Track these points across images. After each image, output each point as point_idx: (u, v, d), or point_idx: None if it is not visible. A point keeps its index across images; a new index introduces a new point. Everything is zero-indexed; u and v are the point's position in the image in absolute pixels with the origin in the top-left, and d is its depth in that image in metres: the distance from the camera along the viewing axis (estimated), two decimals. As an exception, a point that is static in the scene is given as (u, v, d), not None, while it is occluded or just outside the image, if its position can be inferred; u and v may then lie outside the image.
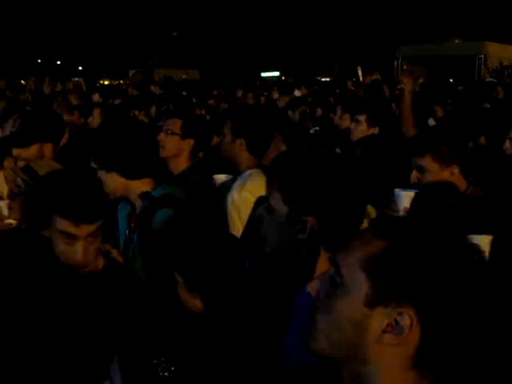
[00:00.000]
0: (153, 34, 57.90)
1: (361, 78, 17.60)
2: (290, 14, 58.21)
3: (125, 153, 2.98)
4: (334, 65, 40.86)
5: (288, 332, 1.88)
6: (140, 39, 58.97)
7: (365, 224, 2.22)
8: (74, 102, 7.98)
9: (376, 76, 14.60)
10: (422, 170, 3.35)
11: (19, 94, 12.81)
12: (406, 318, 1.22)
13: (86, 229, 2.43)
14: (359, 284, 1.26)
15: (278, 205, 1.89)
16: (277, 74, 44.91)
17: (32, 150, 3.59)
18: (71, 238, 2.44)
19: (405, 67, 23.74)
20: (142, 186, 3.07)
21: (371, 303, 1.25)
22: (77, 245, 2.43)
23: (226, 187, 3.86)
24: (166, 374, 1.62)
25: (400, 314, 1.22)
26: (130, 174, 3.02)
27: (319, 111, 8.07)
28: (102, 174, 3.00)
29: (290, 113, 6.80)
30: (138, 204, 3.07)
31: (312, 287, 1.44)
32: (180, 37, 56.76)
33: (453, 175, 3.31)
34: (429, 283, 1.21)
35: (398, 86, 5.91)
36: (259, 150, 3.84)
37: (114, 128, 3.18)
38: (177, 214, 2.94)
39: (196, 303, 2.12)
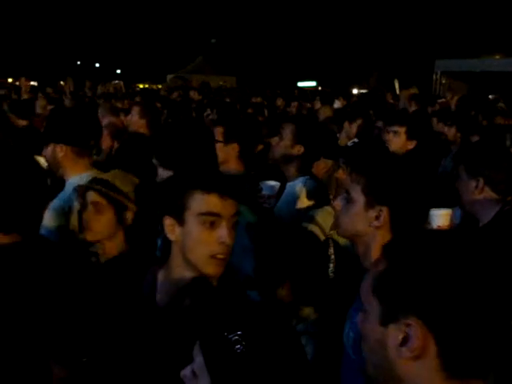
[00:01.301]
0: (192, 40, 58.34)
1: (397, 91, 17.55)
2: (328, 24, 58.21)
3: (185, 153, 3.02)
4: (370, 77, 40.80)
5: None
6: (179, 45, 59.44)
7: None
8: (119, 104, 8.07)
9: (413, 90, 14.52)
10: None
11: (61, 94, 12.98)
12: (414, 329, 1.27)
13: (231, 206, 2.14)
14: (373, 306, 1.35)
15: (357, 195, 2.24)
16: (313, 83, 44.95)
17: (48, 150, 3.57)
18: (215, 216, 2.11)
19: (443, 81, 23.55)
20: None
21: (384, 322, 1.33)
22: (221, 227, 2.11)
23: (273, 193, 3.90)
24: (238, 347, 1.67)
25: (408, 325, 1.27)
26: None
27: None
28: (160, 171, 3.06)
29: (346, 124, 6.76)
30: None
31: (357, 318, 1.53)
32: (218, 44, 57.08)
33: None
34: (426, 291, 1.27)
35: (439, 101, 5.85)
36: (314, 159, 3.88)
37: (177, 128, 3.25)
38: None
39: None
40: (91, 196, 2.78)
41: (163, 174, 3.02)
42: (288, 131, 3.93)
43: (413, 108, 8.84)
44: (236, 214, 2.15)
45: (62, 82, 26.74)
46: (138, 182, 2.85)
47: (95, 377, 2.05)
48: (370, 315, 1.37)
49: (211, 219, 2.10)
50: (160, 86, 30.74)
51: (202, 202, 2.11)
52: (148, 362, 1.97)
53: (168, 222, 2.14)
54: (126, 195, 2.73)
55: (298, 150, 3.86)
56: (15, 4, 59.75)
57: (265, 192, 4.01)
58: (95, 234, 2.77)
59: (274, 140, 4.16)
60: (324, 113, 8.38)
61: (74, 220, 3.24)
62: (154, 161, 3.10)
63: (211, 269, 2.09)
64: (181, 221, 2.12)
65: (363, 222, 2.26)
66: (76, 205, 3.09)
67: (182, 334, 1.93)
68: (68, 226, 3.28)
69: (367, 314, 1.38)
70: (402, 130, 5.31)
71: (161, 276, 2.16)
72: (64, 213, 3.30)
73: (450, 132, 6.83)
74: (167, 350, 1.96)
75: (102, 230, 2.75)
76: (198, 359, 1.56)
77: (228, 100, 11.91)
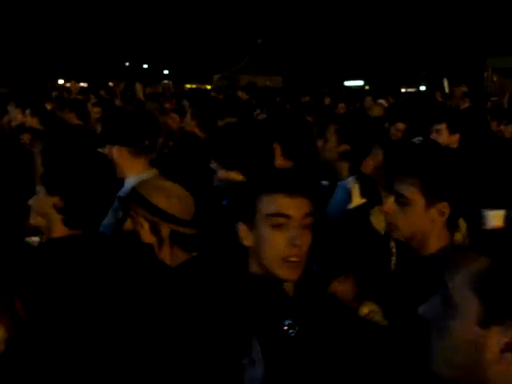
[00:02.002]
0: (238, 41, 58.57)
1: (447, 90, 17.30)
2: (376, 23, 57.78)
3: (246, 151, 3.04)
4: (419, 75, 40.35)
5: None
6: (225, 45, 59.75)
7: (458, 237, 2.57)
8: (168, 104, 8.13)
9: (463, 88, 14.31)
10: None
11: (112, 96, 13.14)
12: None
13: (302, 204, 2.03)
14: (470, 304, 1.26)
15: (414, 196, 2.27)
16: (360, 83, 44.72)
17: (104, 152, 3.58)
18: (284, 217, 2.02)
19: (495, 79, 23.12)
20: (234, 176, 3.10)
21: (485, 323, 1.24)
22: (291, 228, 2.00)
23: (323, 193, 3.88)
24: (291, 332, 1.70)
25: None
26: (250, 172, 3.06)
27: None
28: (222, 173, 3.07)
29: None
30: None
31: (424, 309, 1.43)
32: (264, 44, 57.18)
33: None
34: None
35: (492, 99, 5.80)
36: (362, 156, 3.85)
37: (235, 128, 3.26)
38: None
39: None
40: (129, 208, 2.77)
41: (226, 175, 3.04)
42: (332, 132, 3.95)
43: (465, 105, 8.71)
44: (310, 214, 2.04)
45: (110, 84, 27.20)
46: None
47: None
48: (461, 313, 1.28)
49: (280, 220, 2.00)
50: (209, 87, 30.99)
51: (269, 202, 2.02)
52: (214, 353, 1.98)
53: (241, 228, 2.08)
54: (159, 212, 2.66)
55: (345, 149, 3.85)
56: (64, 7, 60.88)
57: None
58: None
59: (320, 142, 4.17)
60: (375, 111, 8.30)
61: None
62: (214, 165, 3.11)
63: (285, 272, 1.98)
64: (252, 225, 2.06)
65: (425, 221, 2.29)
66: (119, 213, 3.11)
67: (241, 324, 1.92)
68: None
69: (456, 311, 1.29)
70: (443, 126, 5.35)
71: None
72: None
73: (507, 130, 6.71)
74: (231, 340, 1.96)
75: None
76: (255, 347, 1.58)
77: (278, 100, 11.90)
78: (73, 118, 7.17)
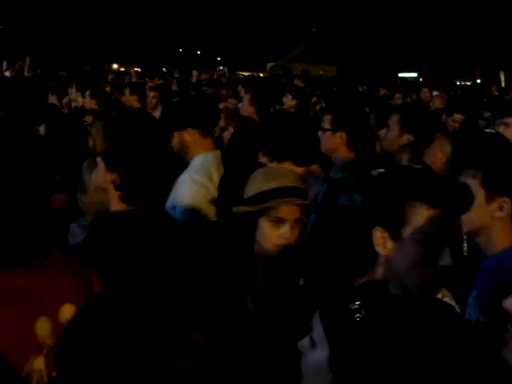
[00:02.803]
0: (292, 29, 58.38)
1: (503, 84, 16.96)
2: (430, 14, 56.86)
3: (297, 142, 3.06)
4: (474, 68, 39.62)
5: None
6: (279, 33, 59.60)
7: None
8: (224, 91, 8.18)
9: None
10: None
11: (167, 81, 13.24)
12: None
13: (461, 224, 1.90)
14: None
15: (476, 189, 2.21)
16: (414, 74, 44.08)
17: (174, 139, 3.68)
18: (438, 236, 1.85)
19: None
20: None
21: None
22: (444, 249, 1.83)
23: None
24: (357, 316, 1.68)
25: None
26: (302, 162, 3.08)
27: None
28: (273, 166, 3.10)
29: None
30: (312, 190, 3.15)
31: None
32: (319, 33, 56.87)
33: None
34: None
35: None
36: (424, 146, 3.82)
37: (284, 120, 3.30)
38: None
39: None
40: None
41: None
42: (395, 121, 3.92)
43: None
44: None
45: (164, 69, 27.46)
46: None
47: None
48: None
49: (433, 239, 1.81)
50: (261, 75, 30.97)
51: (425, 217, 1.80)
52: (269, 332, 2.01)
53: (379, 234, 1.88)
54: None
55: (408, 138, 3.83)
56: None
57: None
58: None
59: (382, 132, 4.14)
60: (436, 103, 8.19)
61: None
62: (263, 159, 3.17)
63: (424, 292, 1.85)
64: (396, 235, 1.85)
65: (485, 215, 2.27)
66: None
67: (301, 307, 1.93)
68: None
69: None
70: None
71: None
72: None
73: None
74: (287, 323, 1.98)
75: None
76: (317, 329, 1.57)
77: (335, 88, 11.85)
78: (133, 101, 7.26)
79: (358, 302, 1.66)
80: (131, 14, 62.25)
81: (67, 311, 1.67)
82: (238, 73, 26.62)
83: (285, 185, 2.43)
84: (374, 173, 4.10)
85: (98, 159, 2.29)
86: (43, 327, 1.61)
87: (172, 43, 60.38)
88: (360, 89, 12.52)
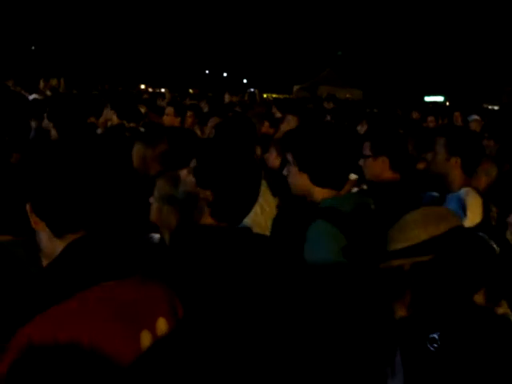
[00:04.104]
0: (318, 52, 58.62)
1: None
2: (458, 38, 56.80)
3: (319, 159, 2.91)
4: (502, 92, 39.44)
5: None
6: (306, 56, 59.88)
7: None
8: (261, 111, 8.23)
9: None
10: None
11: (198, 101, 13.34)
12: None
13: None
14: None
15: None
16: (441, 98, 43.97)
17: None
18: None
19: None
20: (323, 193, 2.95)
21: None
22: None
23: (434, 204, 3.86)
24: (433, 346, 1.68)
25: None
26: (316, 181, 2.94)
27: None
28: (292, 170, 2.97)
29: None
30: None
31: None
32: (345, 56, 57.03)
33: None
34: None
35: None
36: (472, 170, 3.83)
37: (320, 133, 3.04)
38: (332, 227, 2.86)
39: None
40: None
41: (296, 174, 2.96)
42: (441, 144, 3.91)
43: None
44: None
45: (191, 90, 27.70)
46: None
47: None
48: None
49: None
50: (287, 97, 31.10)
51: None
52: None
53: None
54: None
55: (455, 161, 3.83)
56: (143, 16, 62.32)
57: (426, 203, 3.98)
58: None
59: (429, 156, 4.13)
60: (472, 127, 8.17)
61: None
62: (290, 157, 2.98)
63: None
64: None
65: None
66: None
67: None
68: None
69: None
70: None
71: None
72: None
73: None
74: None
75: None
76: (397, 358, 1.58)
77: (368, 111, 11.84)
78: (176, 121, 7.33)
79: (437, 333, 1.67)
80: (159, 36, 62.96)
81: (162, 324, 1.71)
82: (267, 95, 26.76)
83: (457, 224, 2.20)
84: (424, 197, 4.13)
85: (183, 174, 2.33)
86: (146, 340, 1.64)
87: (199, 65, 60.92)
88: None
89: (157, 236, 3.30)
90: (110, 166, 1.79)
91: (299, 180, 2.95)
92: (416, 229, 2.13)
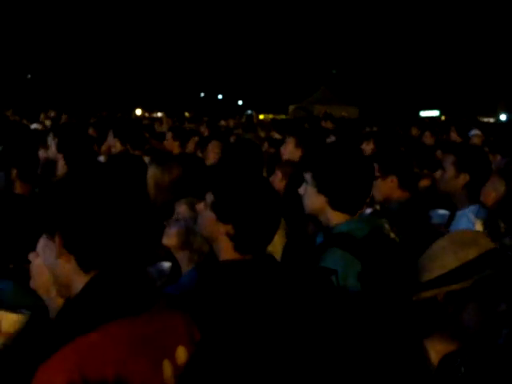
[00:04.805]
0: (313, 71, 58.89)
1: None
2: (452, 52, 57.15)
3: (340, 183, 2.83)
4: (496, 106, 39.65)
5: None
6: (300, 76, 60.14)
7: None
8: (262, 134, 8.27)
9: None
10: None
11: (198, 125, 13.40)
12: None
13: None
14: None
15: None
16: (436, 113, 44.11)
17: None
18: None
19: None
20: (338, 216, 2.87)
21: None
22: None
23: (443, 222, 3.88)
24: (460, 371, 1.68)
25: None
26: (334, 204, 2.86)
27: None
28: (310, 189, 2.89)
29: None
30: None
31: None
32: (339, 74, 57.32)
33: None
34: None
35: None
36: (480, 186, 3.85)
37: (342, 156, 2.93)
38: (349, 255, 2.70)
39: None
40: None
41: (311, 194, 2.88)
42: (450, 162, 3.92)
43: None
44: None
45: (187, 114, 27.74)
46: None
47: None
48: None
49: None
50: (284, 117, 31.20)
51: None
52: None
53: None
54: None
55: (464, 178, 3.84)
56: (137, 39, 62.66)
57: (435, 220, 3.99)
58: None
59: (438, 173, 4.14)
60: (474, 141, 8.21)
61: None
62: (308, 176, 2.90)
63: None
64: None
65: None
66: None
67: None
68: None
69: None
70: None
71: None
72: None
73: None
74: None
75: None
76: None
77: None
78: (176, 146, 7.36)
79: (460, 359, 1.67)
80: (153, 60, 63.27)
81: (182, 353, 1.71)
82: (264, 115, 26.82)
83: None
84: (433, 214, 4.14)
85: (199, 209, 2.32)
86: (168, 370, 1.65)
87: (193, 88, 61.12)
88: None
89: (167, 265, 3.30)
90: (130, 197, 1.80)
91: (316, 201, 2.87)
92: (445, 256, 2.07)
